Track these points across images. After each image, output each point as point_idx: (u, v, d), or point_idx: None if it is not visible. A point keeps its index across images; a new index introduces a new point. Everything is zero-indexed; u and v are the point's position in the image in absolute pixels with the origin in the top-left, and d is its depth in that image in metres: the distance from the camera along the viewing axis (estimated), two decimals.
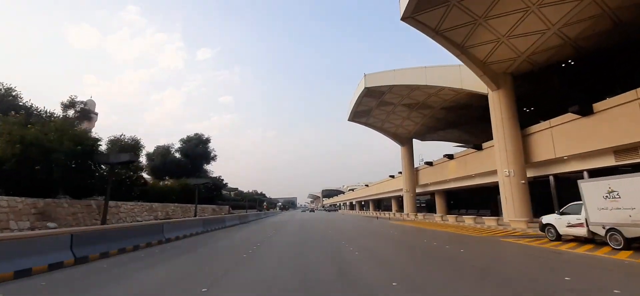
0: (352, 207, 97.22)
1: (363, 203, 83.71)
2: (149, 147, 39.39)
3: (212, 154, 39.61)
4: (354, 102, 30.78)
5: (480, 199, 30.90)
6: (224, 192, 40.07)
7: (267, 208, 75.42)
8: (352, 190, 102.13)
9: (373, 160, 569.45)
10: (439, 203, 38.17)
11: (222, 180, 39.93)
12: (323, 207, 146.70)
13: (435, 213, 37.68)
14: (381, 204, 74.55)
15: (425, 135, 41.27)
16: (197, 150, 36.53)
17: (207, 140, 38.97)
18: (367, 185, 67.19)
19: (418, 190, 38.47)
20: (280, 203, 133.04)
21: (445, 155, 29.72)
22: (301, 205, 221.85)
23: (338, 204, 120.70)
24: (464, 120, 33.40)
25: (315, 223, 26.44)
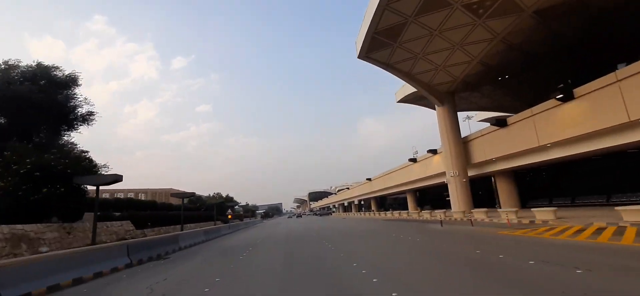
0: (345, 208, 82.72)
1: (362, 202, 69.36)
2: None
3: (79, 111, 17.09)
4: (376, 5, 16.06)
5: (616, 177, 17.05)
6: (133, 197, 21.02)
7: (240, 218, 57.56)
8: (346, 188, 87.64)
9: (359, 161, 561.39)
10: (504, 190, 24.06)
11: (95, 165, 14.80)
12: (311, 210, 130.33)
13: (499, 206, 23.74)
14: (385, 202, 60.43)
15: (464, 91, 27.56)
16: (22, 93, 14.53)
17: (69, 82, 16.72)
18: (369, 179, 52.69)
19: (471, 173, 24.26)
20: (260, 211, 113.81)
21: (557, 97, 15.52)
22: (287, 210, 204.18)
23: (332, 206, 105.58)
24: (554, 49, 19.71)
25: (319, 257, 11.21)
